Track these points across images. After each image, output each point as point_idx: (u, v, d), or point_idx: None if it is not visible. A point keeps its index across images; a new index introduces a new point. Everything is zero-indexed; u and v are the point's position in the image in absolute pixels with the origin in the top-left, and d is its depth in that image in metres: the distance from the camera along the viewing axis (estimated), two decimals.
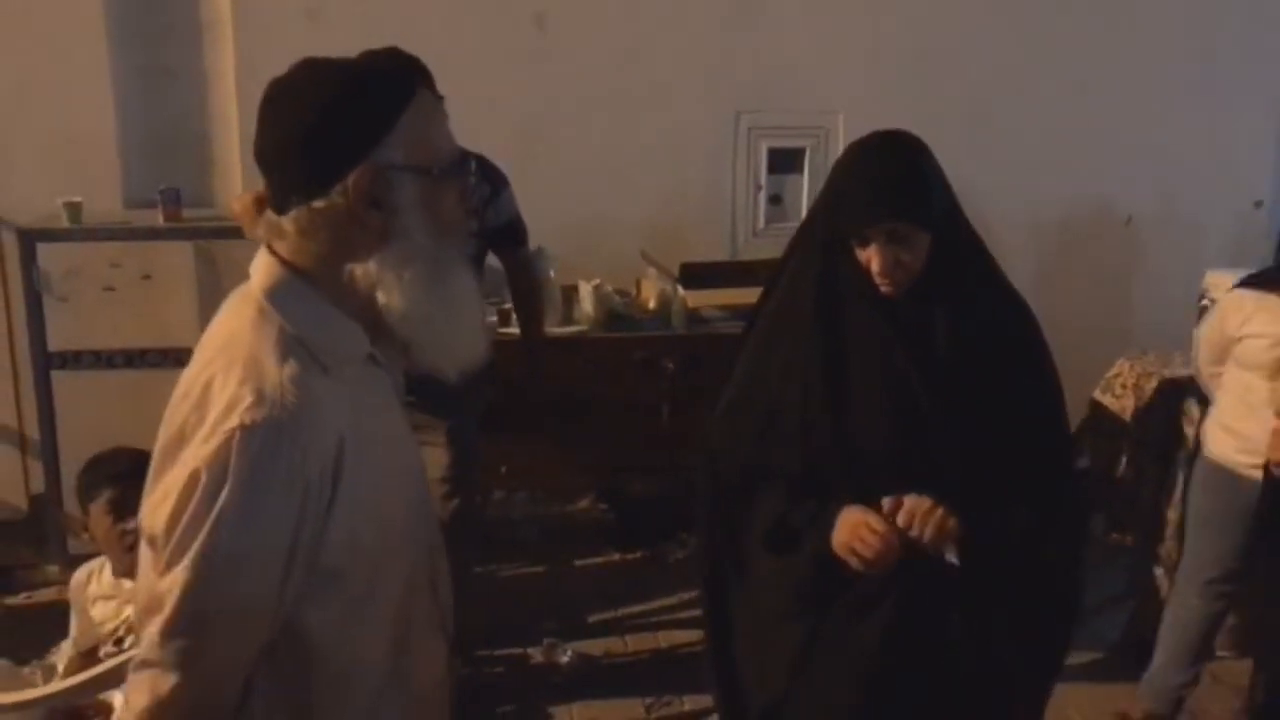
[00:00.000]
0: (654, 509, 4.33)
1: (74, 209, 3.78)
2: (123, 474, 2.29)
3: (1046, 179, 4.67)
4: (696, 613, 3.77)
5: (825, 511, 1.75)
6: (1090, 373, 4.21)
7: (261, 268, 1.26)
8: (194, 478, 1.14)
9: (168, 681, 1.17)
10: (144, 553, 1.25)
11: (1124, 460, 4.08)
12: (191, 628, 1.17)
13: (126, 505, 2.26)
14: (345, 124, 1.20)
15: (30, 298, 3.76)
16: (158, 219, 3.83)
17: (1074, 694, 3.26)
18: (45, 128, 3.97)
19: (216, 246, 3.82)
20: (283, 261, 1.25)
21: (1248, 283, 2.96)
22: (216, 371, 1.19)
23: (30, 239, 3.75)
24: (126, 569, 2.31)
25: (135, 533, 2.26)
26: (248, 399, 1.15)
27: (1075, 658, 3.33)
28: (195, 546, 1.14)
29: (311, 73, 1.24)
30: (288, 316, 1.22)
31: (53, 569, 3.97)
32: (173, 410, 1.23)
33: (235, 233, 3.39)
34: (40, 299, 3.77)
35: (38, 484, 4.15)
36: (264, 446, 1.14)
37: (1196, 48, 4.71)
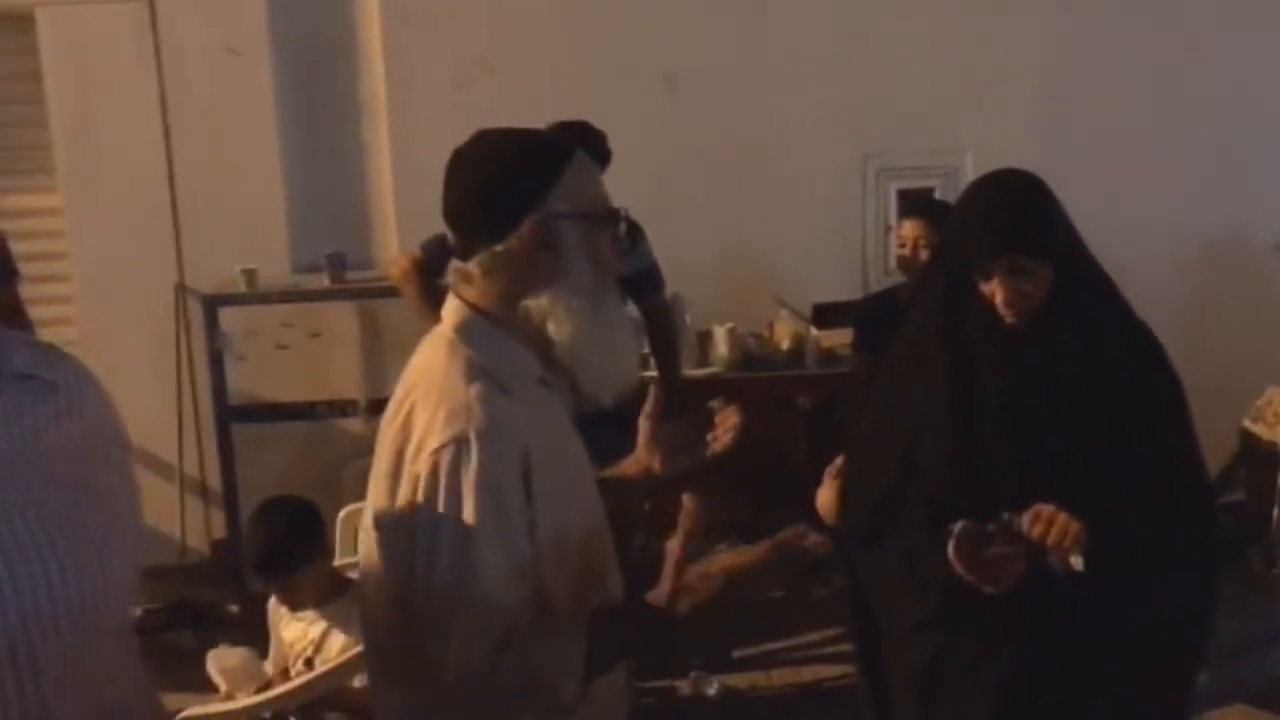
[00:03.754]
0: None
1: (250, 275, 4.14)
2: (260, 565, 2.58)
3: (1185, 209, 4.60)
4: (839, 648, 3.86)
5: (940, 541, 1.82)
6: (1240, 402, 4.13)
7: (451, 310, 1.49)
8: (412, 496, 1.36)
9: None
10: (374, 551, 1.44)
11: None
12: (435, 636, 1.35)
13: (277, 590, 2.55)
14: (518, 180, 1.43)
15: (213, 357, 4.13)
16: (324, 282, 4.17)
17: None
18: (223, 203, 4.38)
19: (378, 305, 4.11)
20: (468, 304, 1.47)
21: None
22: (418, 398, 1.41)
23: (213, 304, 4.13)
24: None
25: (289, 601, 2.51)
26: (442, 419, 1.36)
27: (1234, 692, 3.27)
28: (428, 548, 1.34)
29: (487, 141, 1.47)
30: (473, 347, 1.44)
31: (233, 609, 4.28)
32: (384, 432, 1.45)
33: (395, 292, 3.67)
34: (221, 358, 4.13)
35: (218, 529, 4.50)
36: (462, 457, 1.34)
37: None
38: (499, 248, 1.42)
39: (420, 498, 1.35)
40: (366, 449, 4.00)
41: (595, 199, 1.48)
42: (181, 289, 4.44)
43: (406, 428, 1.40)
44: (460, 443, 1.34)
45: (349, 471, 3.62)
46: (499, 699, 1.36)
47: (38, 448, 1.05)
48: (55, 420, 1.07)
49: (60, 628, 1.01)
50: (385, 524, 1.41)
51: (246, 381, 4.16)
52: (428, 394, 1.40)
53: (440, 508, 1.34)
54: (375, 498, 1.45)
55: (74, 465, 1.08)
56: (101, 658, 1.07)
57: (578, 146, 1.48)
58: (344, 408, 4.18)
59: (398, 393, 1.47)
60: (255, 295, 4.15)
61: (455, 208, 1.46)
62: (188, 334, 4.44)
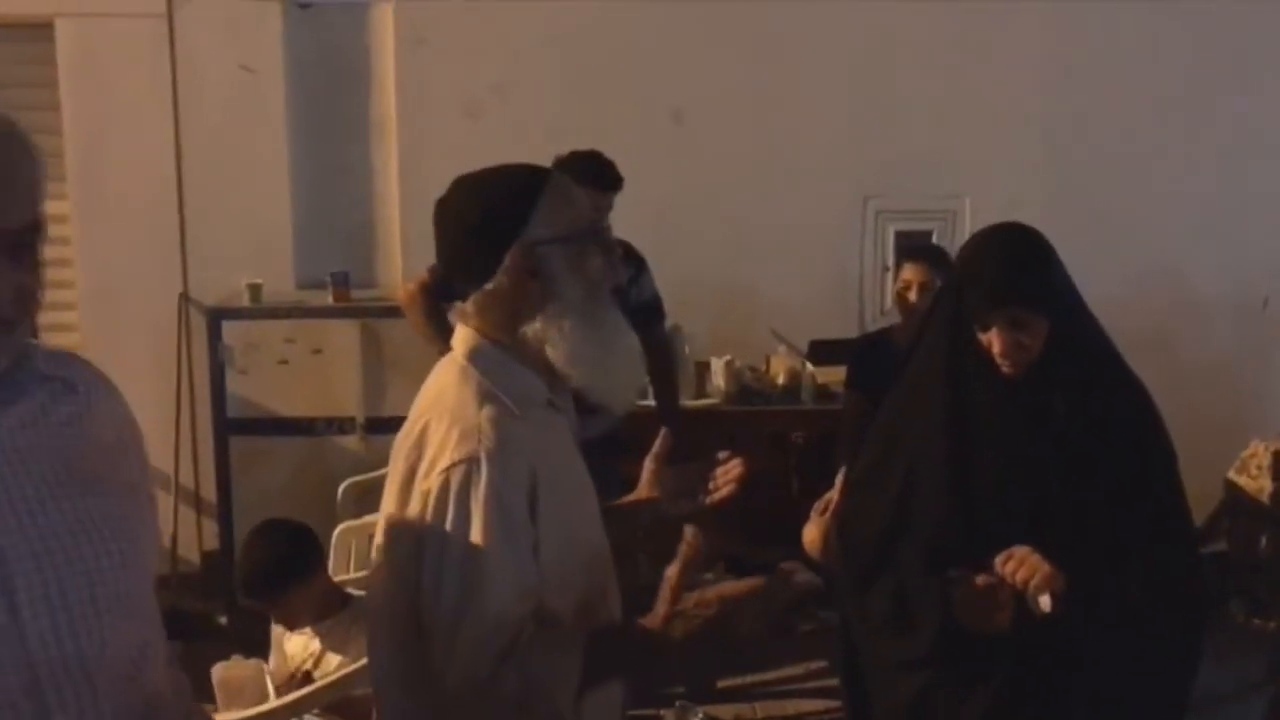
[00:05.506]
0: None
1: (255, 290, 4.19)
2: (244, 588, 2.64)
3: (1177, 260, 4.68)
4: (824, 683, 3.90)
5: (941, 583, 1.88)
6: (1224, 454, 4.19)
7: (461, 338, 1.55)
8: (423, 510, 1.42)
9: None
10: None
11: (1264, 542, 4.03)
12: (439, 646, 1.40)
13: (277, 613, 2.60)
14: (493, 218, 1.48)
15: (214, 370, 4.17)
16: (328, 299, 4.22)
17: None
18: (231, 217, 4.42)
19: (381, 324, 4.16)
20: (474, 331, 1.53)
21: None
22: (431, 419, 1.47)
23: (217, 317, 4.18)
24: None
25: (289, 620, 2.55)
26: (455, 439, 1.43)
27: None
28: (436, 561, 1.41)
29: (459, 188, 1.53)
30: (483, 373, 1.50)
31: (223, 620, 4.29)
32: (398, 449, 1.51)
33: (397, 312, 3.73)
34: (223, 371, 4.17)
35: (210, 540, 4.52)
36: (472, 475, 1.40)
37: None
38: (489, 285, 1.48)
39: (430, 513, 1.41)
40: (363, 466, 4.08)
41: (574, 219, 1.52)
42: (185, 300, 4.48)
43: (420, 446, 1.46)
44: (471, 462, 1.40)
45: (345, 488, 3.65)
46: (498, 708, 1.41)
47: (62, 444, 1.11)
48: (76, 419, 1.13)
49: (99, 610, 1.07)
50: (395, 537, 1.47)
51: (246, 394, 4.19)
52: (441, 415, 1.46)
53: (449, 523, 1.40)
54: (386, 512, 1.50)
55: (93, 460, 1.13)
56: (132, 644, 1.12)
57: (552, 173, 1.55)
58: (342, 425, 4.21)
59: (412, 414, 1.53)
60: (259, 309, 4.20)
61: (445, 254, 1.53)
62: (189, 345, 4.47)
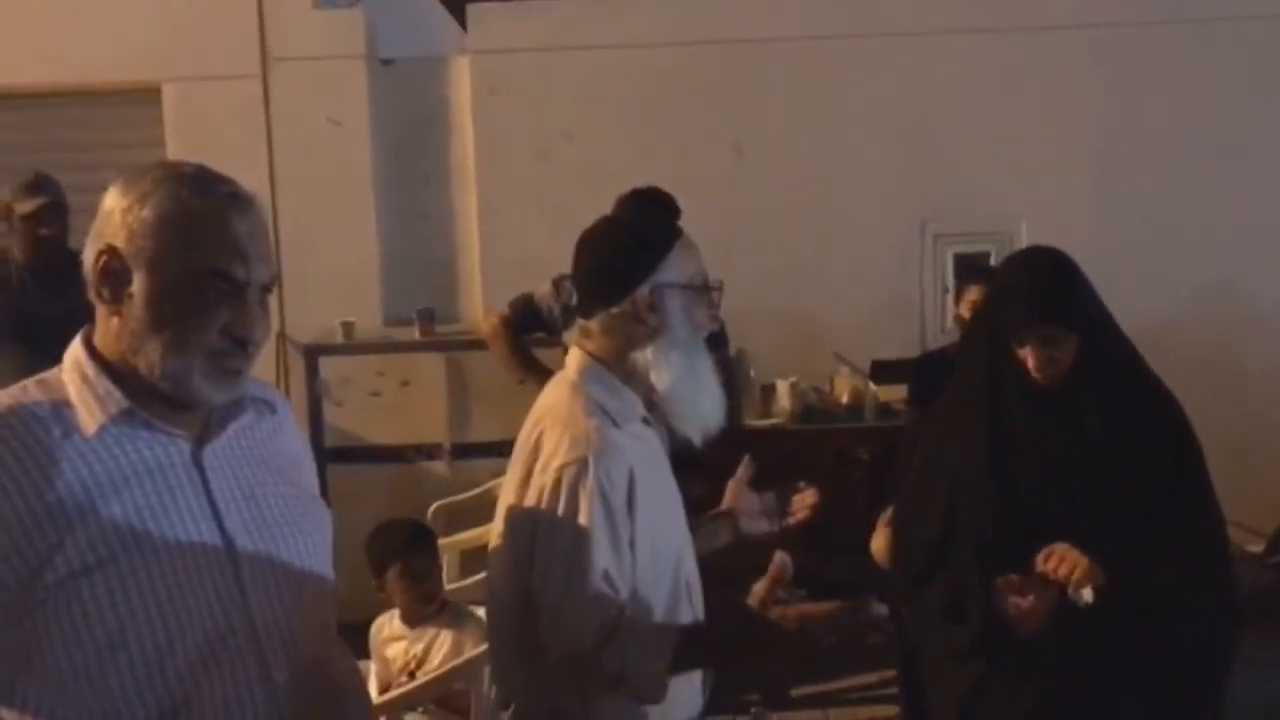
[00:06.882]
0: (851, 592, 4.56)
1: (348, 328, 4.48)
2: (404, 547, 2.86)
3: (1235, 273, 4.73)
4: (894, 690, 4.00)
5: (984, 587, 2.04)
6: None
7: (574, 358, 1.81)
8: (538, 502, 1.67)
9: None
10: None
11: None
12: (549, 620, 1.64)
13: (414, 570, 2.82)
14: (633, 257, 1.76)
15: (312, 403, 4.46)
16: (415, 334, 4.49)
17: None
18: (323, 260, 4.72)
19: (464, 356, 4.42)
20: (588, 354, 1.79)
21: None
22: (546, 427, 1.73)
23: (313, 353, 4.48)
24: (416, 617, 2.85)
25: (427, 588, 2.80)
26: (566, 443, 1.67)
27: None
28: (547, 546, 1.66)
29: (605, 226, 1.84)
30: (591, 389, 1.76)
31: None
32: (517, 454, 1.77)
33: (480, 345, 3.99)
34: (320, 404, 4.46)
35: None
36: (581, 474, 1.65)
37: None
38: (615, 310, 1.75)
39: (544, 505, 1.65)
40: (451, 490, 4.34)
41: (695, 273, 1.80)
42: (283, 339, 4.79)
43: (535, 450, 1.71)
44: (581, 463, 1.64)
45: (435, 510, 3.90)
46: (597, 680, 1.64)
47: (265, 453, 1.38)
48: (274, 433, 1.41)
49: (297, 589, 1.34)
50: (513, 526, 1.71)
51: (342, 425, 4.48)
52: (554, 424, 1.72)
53: (560, 513, 1.64)
54: (504, 505, 1.75)
55: (287, 468, 1.41)
56: (319, 621, 1.39)
57: (683, 231, 1.82)
58: (430, 451, 4.48)
59: (527, 424, 1.79)
60: (352, 345, 4.49)
61: (582, 277, 1.80)
62: (287, 380, 4.78)
